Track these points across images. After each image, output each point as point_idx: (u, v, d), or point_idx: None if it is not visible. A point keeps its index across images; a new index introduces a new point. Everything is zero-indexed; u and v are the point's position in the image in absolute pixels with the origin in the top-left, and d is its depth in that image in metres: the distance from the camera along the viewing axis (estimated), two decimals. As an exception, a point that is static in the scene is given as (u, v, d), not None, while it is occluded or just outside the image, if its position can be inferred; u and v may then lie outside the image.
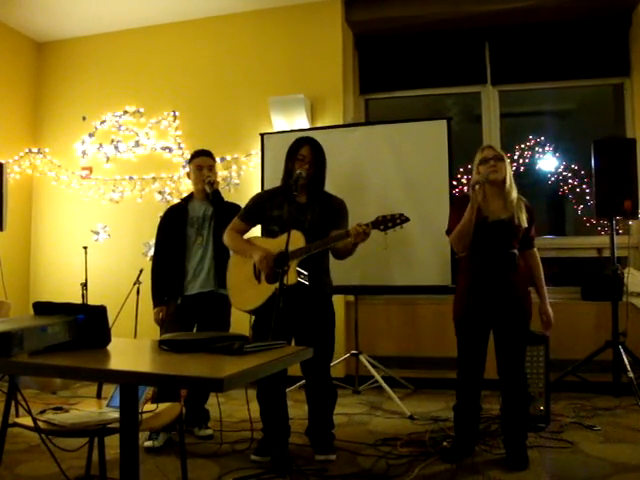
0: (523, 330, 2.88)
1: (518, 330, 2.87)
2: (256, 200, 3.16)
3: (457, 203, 3.05)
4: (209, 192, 3.35)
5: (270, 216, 3.04)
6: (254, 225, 3.18)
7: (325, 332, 3.02)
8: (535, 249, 3.02)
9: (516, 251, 2.89)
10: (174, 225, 3.44)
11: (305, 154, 3.01)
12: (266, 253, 2.88)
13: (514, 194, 2.90)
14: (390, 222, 2.76)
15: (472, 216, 2.83)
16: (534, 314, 2.96)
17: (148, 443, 3.09)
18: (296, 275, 2.82)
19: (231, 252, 3.17)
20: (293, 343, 3.00)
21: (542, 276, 3.02)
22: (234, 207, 3.44)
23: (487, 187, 2.88)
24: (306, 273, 2.84)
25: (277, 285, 2.74)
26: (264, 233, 3.09)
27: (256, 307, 2.93)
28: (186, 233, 3.40)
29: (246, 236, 3.15)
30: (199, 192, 3.47)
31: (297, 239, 2.83)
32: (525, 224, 2.86)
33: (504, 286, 2.85)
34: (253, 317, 3.04)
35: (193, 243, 3.40)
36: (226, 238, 3.12)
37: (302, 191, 3.02)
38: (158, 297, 3.43)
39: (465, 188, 5.05)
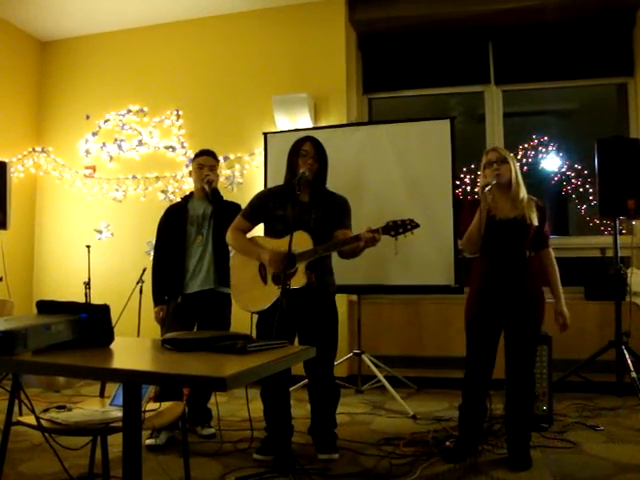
0: (534, 332, 2.86)
1: (529, 332, 2.85)
2: (259, 198, 3.14)
3: (468, 207, 3.04)
4: (208, 191, 3.36)
5: (273, 215, 3.03)
6: (257, 224, 3.16)
7: (328, 331, 3.02)
8: (550, 249, 2.97)
9: (528, 251, 2.87)
10: (174, 224, 3.45)
11: (308, 149, 3.01)
12: (274, 254, 2.87)
13: (522, 193, 2.88)
14: (401, 228, 2.76)
15: (483, 217, 2.86)
16: (548, 315, 2.92)
17: (150, 441, 3.10)
18: (305, 277, 2.81)
19: (232, 252, 3.18)
20: (296, 342, 3.01)
21: (557, 276, 2.95)
22: (234, 206, 3.46)
23: (497, 189, 2.89)
24: (313, 275, 2.85)
25: (289, 285, 2.77)
26: (267, 232, 3.09)
27: (264, 308, 2.92)
28: (186, 232, 3.41)
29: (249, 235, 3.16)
30: (199, 191, 3.48)
31: (304, 240, 2.82)
32: (536, 222, 2.84)
33: (516, 286, 2.83)
34: (256, 316, 3.04)
35: (193, 242, 3.40)
36: (229, 237, 3.10)
37: (305, 190, 3.01)
38: (158, 296, 3.44)
39: (469, 188, 5.06)
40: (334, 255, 3.09)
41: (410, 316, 4.78)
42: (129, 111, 5.55)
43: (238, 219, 3.13)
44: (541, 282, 2.91)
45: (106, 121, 5.61)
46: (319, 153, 3.03)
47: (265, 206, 3.07)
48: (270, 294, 2.90)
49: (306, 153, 3.01)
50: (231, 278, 3.12)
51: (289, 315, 2.83)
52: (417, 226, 2.77)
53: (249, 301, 3.00)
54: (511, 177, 2.87)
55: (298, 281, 2.83)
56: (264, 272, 2.97)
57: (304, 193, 3.00)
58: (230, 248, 3.24)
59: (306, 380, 3.14)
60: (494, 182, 2.84)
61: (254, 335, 2.96)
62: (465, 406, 2.94)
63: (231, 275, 3.13)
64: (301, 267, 2.82)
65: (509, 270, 2.85)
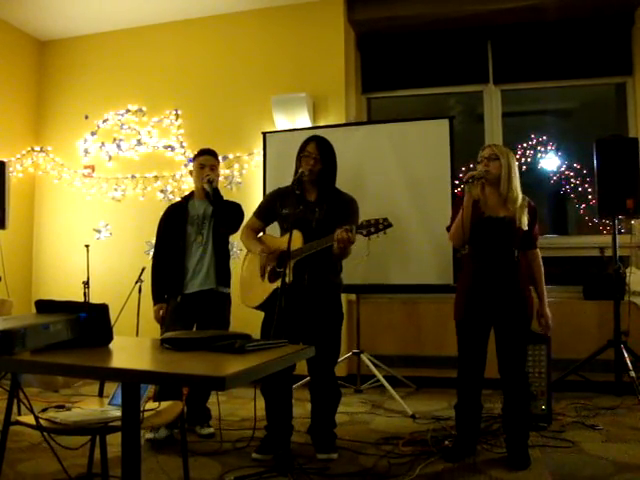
0: (524, 329, 2.87)
1: (518, 329, 2.85)
2: (268, 198, 3.24)
3: (460, 202, 3.04)
4: (209, 191, 3.36)
5: (281, 214, 3.09)
6: (268, 223, 3.26)
7: (332, 332, 3.03)
8: (537, 250, 2.98)
9: (516, 250, 2.87)
10: (174, 223, 3.46)
11: (311, 150, 3.03)
12: (264, 248, 2.99)
13: (514, 193, 2.84)
14: (373, 227, 2.73)
15: (467, 210, 2.85)
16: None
17: (149, 435, 3.10)
18: (291, 275, 2.83)
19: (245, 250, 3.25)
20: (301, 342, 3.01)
21: (542, 278, 2.97)
22: (234, 205, 3.46)
23: (486, 185, 2.89)
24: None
25: (278, 284, 2.78)
26: (280, 231, 3.16)
27: (258, 304, 3.01)
28: (186, 231, 3.42)
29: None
30: (199, 191, 3.48)
31: (295, 239, 2.84)
32: (525, 227, 2.82)
33: (504, 285, 2.84)
34: (258, 316, 3.06)
35: (193, 241, 3.41)
36: (241, 235, 3.22)
37: (312, 189, 3.04)
38: (158, 295, 3.45)
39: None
40: None
41: (409, 315, 4.78)
42: (128, 111, 5.54)
43: (250, 218, 3.25)
44: (528, 280, 2.92)
45: (105, 121, 5.61)
46: (322, 153, 3.03)
47: (272, 205, 3.15)
48: (264, 291, 2.97)
49: (308, 154, 3.02)
50: (240, 273, 3.20)
51: (293, 314, 2.84)
52: (389, 226, 2.73)
53: (247, 296, 3.10)
54: (500, 174, 2.85)
55: (288, 279, 2.83)
56: (264, 270, 3.03)
57: (311, 192, 3.03)
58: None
59: (307, 379, 3.14)
60: (479, 175, 2.84)
61: (258, 334, 2.97)
62: (460, 405, 2.95)
63: (241, 271, 3.20)
64: (289, 265, 2.83)
65: (496, 268, 2.85)
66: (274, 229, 3.26)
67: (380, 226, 2.73)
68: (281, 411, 3.02)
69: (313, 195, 3.04)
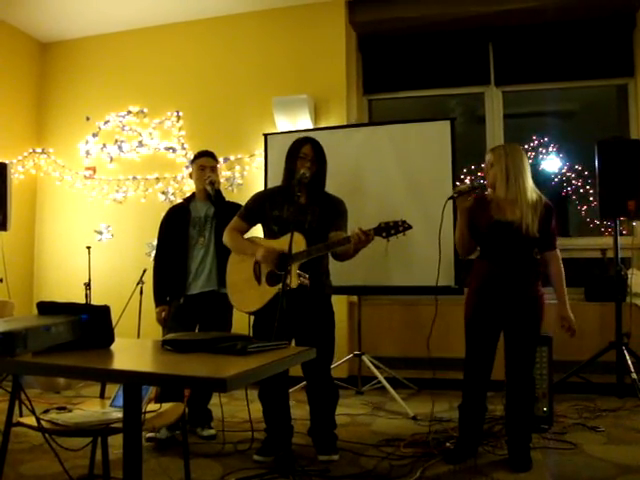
0: (533, 333, 2.85)
1: (528, 333, 2.83)
2: (256, 199, 3.15)
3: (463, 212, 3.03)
4: (211, 192, 3.37)
5: (270, 216, 3.03)
6: (254, 224, 3.17)
7: (325, 333, 3.01)
8: (556, 251, 2.88)
9: (529, 253, 2.84)
10: (176, 225, 3.45)
11: (307, 152, 3.01)
12: (267, 251, 2.88)
13: (514, 194, 2.80)
14: (393, 229, 2.74)
15: (461, 221, 2.93)
16: (550, 317, 2.91)
17: (150, 434, 3.10)
18: (297, 279, 2.80)
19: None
20: (293, 344, 3.00)
21: (560, 280, 2.87)
22: (236, 207, 3.45)
23: (465, 195, 2.89)
24: (307, 276, 2.84)
25: (278, 287, 2.76)
26: (265, 233, 3.10)
27: (258, 309, 2.93)
28: (188, 233, 3.42)
29: (246, 236, 3.16)
30: (201, 192, 3.48)
31: (297, 242, 2.80)
32: (533, 229, 2.75)
33: (514, 287, 2.82)
34: (252, 317, 3.03)
35: (195, 243, 3.41)
36: (226, 237, 3.11)
37: (302, 191, 3.01)
38: (160, 297, 3.45)
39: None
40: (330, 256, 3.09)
41: (410, 317, 4.77)
42: (129, 112, 5.55)
43: (235, 220, 3.13)
44: (540, 282, 2.88)
45: (106, 122, 5.62)
46: (318, 155, 3.03)
47: (261, 207, 3.08)
48: (263, 295, 2.90)
49: (305, 156, 3.00)
50: (227, 277, 3.11)
51: (286, 317, 2.83)
52: (409, 227, 2.74)
53: (243, 301, 3.00)
54: (495, 181, 2.85)
55: (290, 282, 2.81)
56: (259, 272, 2.96)
57: (302, 194, 3.00)
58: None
59: (305, 382, 3.14)
60: (464, 190, 2.87)
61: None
62: (465, 406, 2.94)
63: (227, 274, 3.12)
64: (294, 268, 2.80)
65: (506, 271, 2.83)
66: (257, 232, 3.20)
67: (400, 228, 2.74)
68: (279, 415, 3.01)
69: (303, 197, 3.00)
